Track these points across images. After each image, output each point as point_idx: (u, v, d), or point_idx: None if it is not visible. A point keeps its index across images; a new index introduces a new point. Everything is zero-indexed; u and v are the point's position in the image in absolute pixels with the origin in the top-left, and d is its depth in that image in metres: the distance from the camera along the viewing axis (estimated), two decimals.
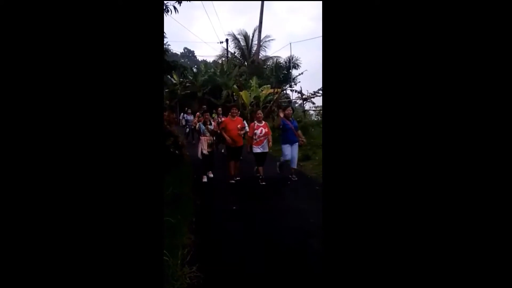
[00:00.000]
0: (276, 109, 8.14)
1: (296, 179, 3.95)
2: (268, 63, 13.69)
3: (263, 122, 3.81)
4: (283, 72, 11.93)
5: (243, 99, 9.09)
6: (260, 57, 14.23)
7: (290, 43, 19.49)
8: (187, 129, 8.00)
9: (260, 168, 3.74)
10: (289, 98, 10.91)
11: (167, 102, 10.92)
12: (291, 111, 4.11)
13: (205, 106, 6.21)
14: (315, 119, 9.49)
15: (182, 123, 8.72)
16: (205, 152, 3.98)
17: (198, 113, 5.71)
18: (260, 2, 13.91)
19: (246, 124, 4.58)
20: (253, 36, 14.65)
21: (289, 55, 12.97)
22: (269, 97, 9.39)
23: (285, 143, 3.74)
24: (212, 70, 11.11)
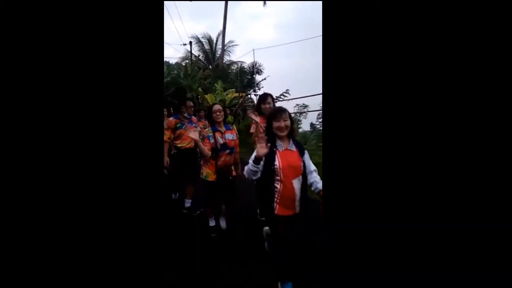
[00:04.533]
0: (241, 112, 8.38)
1: None
2: (233, 68, 13.91)
3: None
4: (247, 77, 12.26)
5: (208, 102, 9.16)
6: (224, 61, 14.38)
7: (253, 50, 19.99)
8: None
9: None
10: (253, 102, 11.24)
11: None
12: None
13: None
14: None
15: None
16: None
17: (170, 120, 3.00)
18: (223, 6, 14.12)
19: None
20: (217, 40, 14.76)
21: (252, 61, 13.35)
22: (234, 101, 9.60)
23: None
24: (176, 72, 10.96)
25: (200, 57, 14.88)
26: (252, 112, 2.27)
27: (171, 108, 5.28)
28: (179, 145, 2.94)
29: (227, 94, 9.69)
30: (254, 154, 1.44)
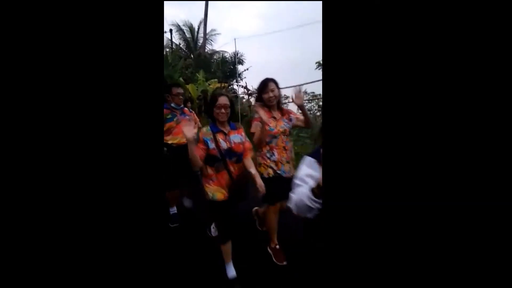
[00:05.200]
0: None
1: None
2: (215, 57, 13.67)
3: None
4: (229, 67, 12.12)
5: (190, 93, 8.98)
6: (206, 50, 14.08)
7: (235, 39, 19.67)
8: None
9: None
10: (236, 93, 11.17)
11: None
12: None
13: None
14: None
15: None
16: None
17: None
18: None
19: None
20: (198, 29, 14.38)
21: (234, 50, 13.18)
22: (217, 92, 9.48)
23: None
24: None
25: (181, 46, 14.45)
26: (260, 106, 1.76)
27: None
28: (170, 142, 2.43)
29: (209, 85, 9.55)
30: (310, 181, 0.95)
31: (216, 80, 10.09)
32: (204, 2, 13.75)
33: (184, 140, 2.25)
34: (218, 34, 14.89)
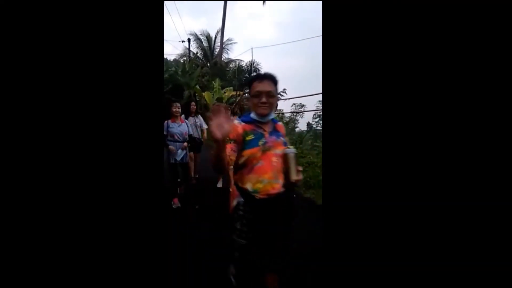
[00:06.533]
0: (238, 111, 8.46)
1: None
2: (231, 66, 13.97)
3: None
4: (245, 76, 12.33)
5: (205, 100, 9.20)
6: (222, 59, 14.42)
7: (252, 48, 20.07)
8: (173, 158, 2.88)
9: None
10: None
11: None
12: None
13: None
14: None
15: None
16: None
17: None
18: (222, 4, 14.15)
19: None
20: (215, 38, 14.80)
21: (250, 59, 13.45)
22: (232, 99, 9.66)
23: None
24: (173, 69, 10.98)
25: (198, 55, 14.90)
26: None
27: (193, 104, 3.61)
28: (249, 188, 1.14)
29: (224, 92, 9.76)
30: None
31: (231, 88, 10.30)
32: (221, 12, 14.18)
33: (277, 186, 1.17)
34: (234, 43, 15.26)
